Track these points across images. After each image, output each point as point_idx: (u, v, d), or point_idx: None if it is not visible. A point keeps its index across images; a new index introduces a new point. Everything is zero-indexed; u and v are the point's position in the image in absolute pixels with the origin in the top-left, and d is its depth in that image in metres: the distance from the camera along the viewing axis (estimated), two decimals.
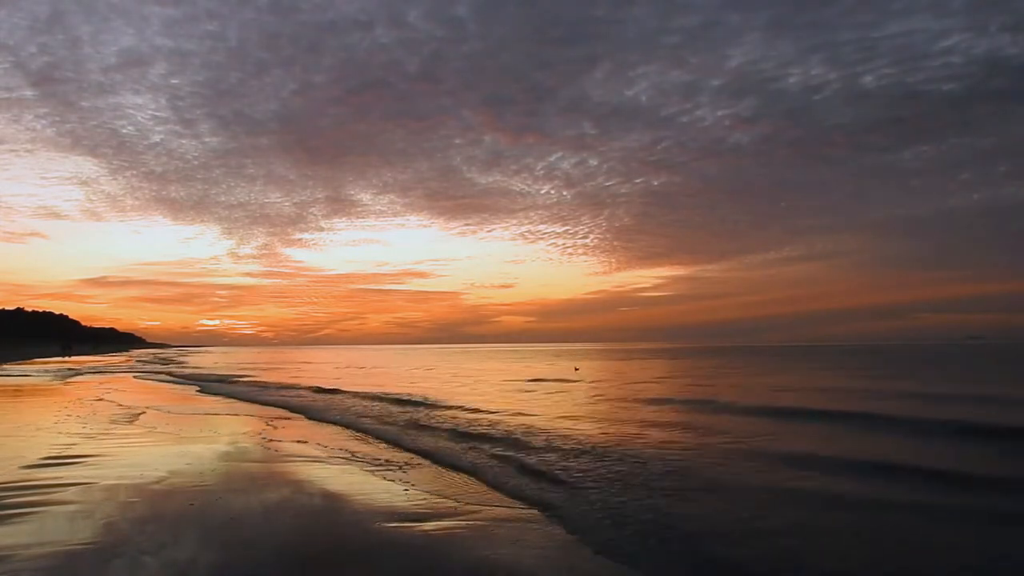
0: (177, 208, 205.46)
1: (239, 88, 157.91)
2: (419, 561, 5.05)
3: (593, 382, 25.96)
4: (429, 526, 5.94)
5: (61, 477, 7.82)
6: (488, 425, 12.72)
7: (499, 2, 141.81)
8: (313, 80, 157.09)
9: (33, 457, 9.13)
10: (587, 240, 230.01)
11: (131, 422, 13.60)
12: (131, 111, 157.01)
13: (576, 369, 37.84)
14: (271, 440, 11.30)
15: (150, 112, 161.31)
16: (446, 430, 12.17)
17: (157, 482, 7.63)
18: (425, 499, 6.99)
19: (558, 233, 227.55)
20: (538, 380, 27.68)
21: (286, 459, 9.43)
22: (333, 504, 6.79)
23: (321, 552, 5.25)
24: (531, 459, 9.06)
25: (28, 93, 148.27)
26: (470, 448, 10.21)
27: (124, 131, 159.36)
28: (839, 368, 37.19)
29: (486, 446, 10.31)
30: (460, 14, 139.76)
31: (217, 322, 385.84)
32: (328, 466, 8.89)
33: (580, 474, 8.07)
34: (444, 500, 6.96)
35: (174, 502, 6.72)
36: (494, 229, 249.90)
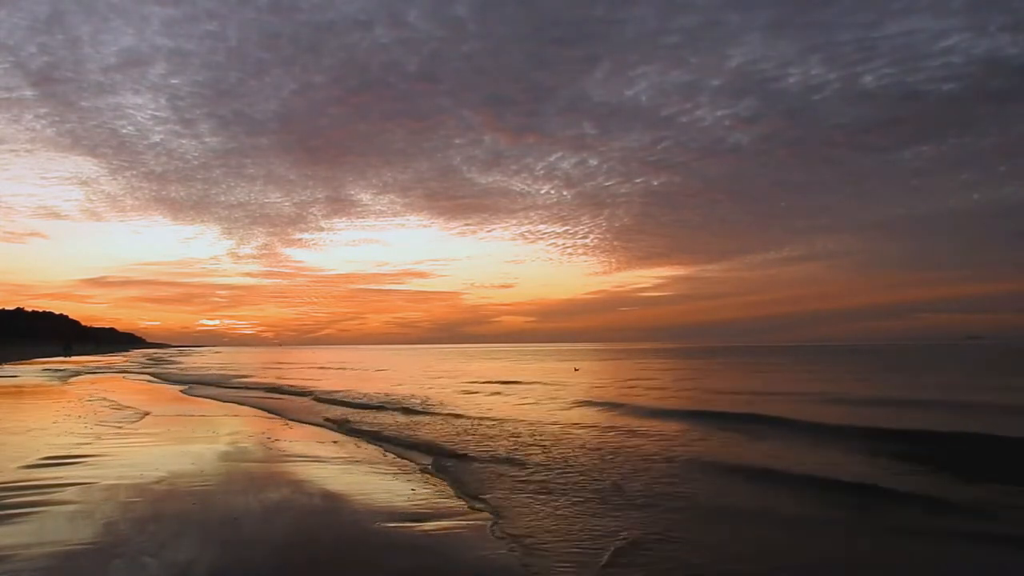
0: (177, 208, 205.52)
1: (239, 88, 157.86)
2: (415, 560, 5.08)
3: (552, 384, 25.18)
4: (429, 526, 5.97)
5: (61, 477, 7.84)
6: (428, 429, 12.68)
7: (499, 2, 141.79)
8: (313, 80, 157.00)
9: (33, 457, 9.14)
10: (587, 240, 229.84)
11: (131, 422, 13.61)
12: (131, 111, 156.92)
13: (576, 369, 37.87)
14: (268, 440, 11.33)
15: (150, 112, 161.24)
16: (393, 434, 12.07)
17: (157, 482, 7.65)
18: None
19: (558, 233, 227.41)
20: (494, 381, 27.19)
21: (283, 459, 9.45)
22: (332, 504, 6.81)
23: (321, 551, 5.28)
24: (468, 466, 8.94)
25: (28, 93, 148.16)
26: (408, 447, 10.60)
27: (124, 131, 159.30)
28: (821, 369, 37.12)
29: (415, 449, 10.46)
30: (460, 14, 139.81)
31: (217, 322, 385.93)
32: (327, 466, 8.92)
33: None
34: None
35: (174, 502, 6.73)
36: (494, 229, 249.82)
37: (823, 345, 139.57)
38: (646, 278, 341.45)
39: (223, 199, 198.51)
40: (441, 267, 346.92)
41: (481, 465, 8.93)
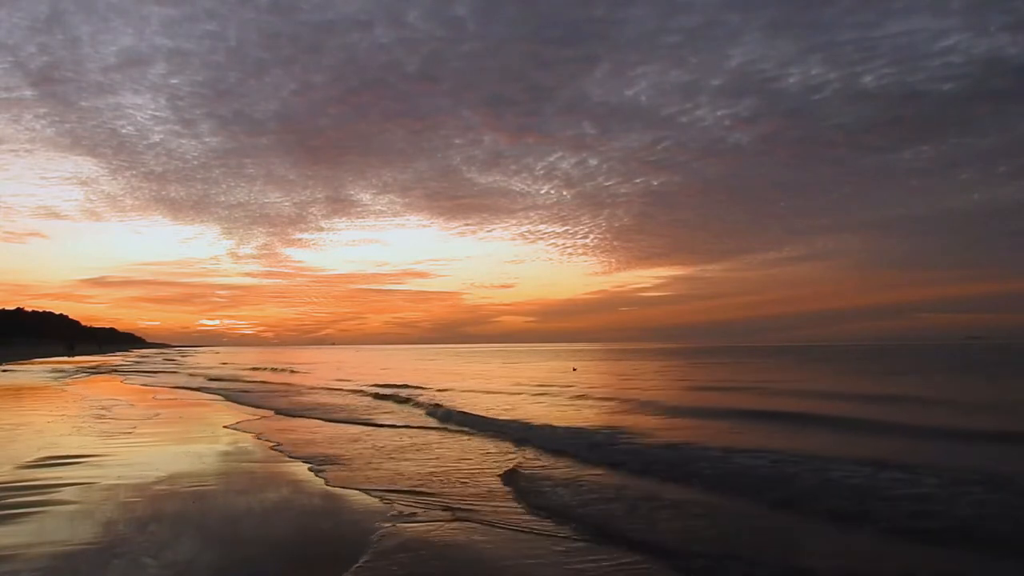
0: (177, 208, 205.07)
1: (239, 88, 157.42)
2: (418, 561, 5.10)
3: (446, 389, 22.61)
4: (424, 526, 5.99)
5: (61, 477, 7.85)
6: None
7: (499, 2, 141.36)
8: (313, 80, 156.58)
9: (33, 457, 9.17)
10: (587, 240, 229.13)
11: (131, 422, 13.63)
12: (131, 111, 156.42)
13: (574, 369, 37.88)
14: (266, 440, 11.34)
15: (150, 112, 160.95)
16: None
17: (157, 482, 7.66)
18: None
19: (558, 233, 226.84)
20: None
21: (281, 459, 9.47)
22: (332, 504, 6.83)
23: (320, 551, 5.30)
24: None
25: (28, 93, 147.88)
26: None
27: (124, 131, 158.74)
28: (789, 369, 37.12)
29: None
30: (460, 14, 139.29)
31: (217, 322, 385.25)
32: (323, 465, 8.94)
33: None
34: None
35: (174, 502, 6.75)
36: (494, 229, 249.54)
37: (821, 346, 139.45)
38: (646, 278, 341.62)
39: (223, 199, 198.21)
40: (441, 267, 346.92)
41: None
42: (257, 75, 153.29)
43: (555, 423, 12.52)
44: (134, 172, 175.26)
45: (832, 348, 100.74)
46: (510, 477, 7.97)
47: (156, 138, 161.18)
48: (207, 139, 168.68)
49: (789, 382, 25.84)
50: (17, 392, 22.52)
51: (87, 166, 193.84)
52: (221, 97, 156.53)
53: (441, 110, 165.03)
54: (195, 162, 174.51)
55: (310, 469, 8.58)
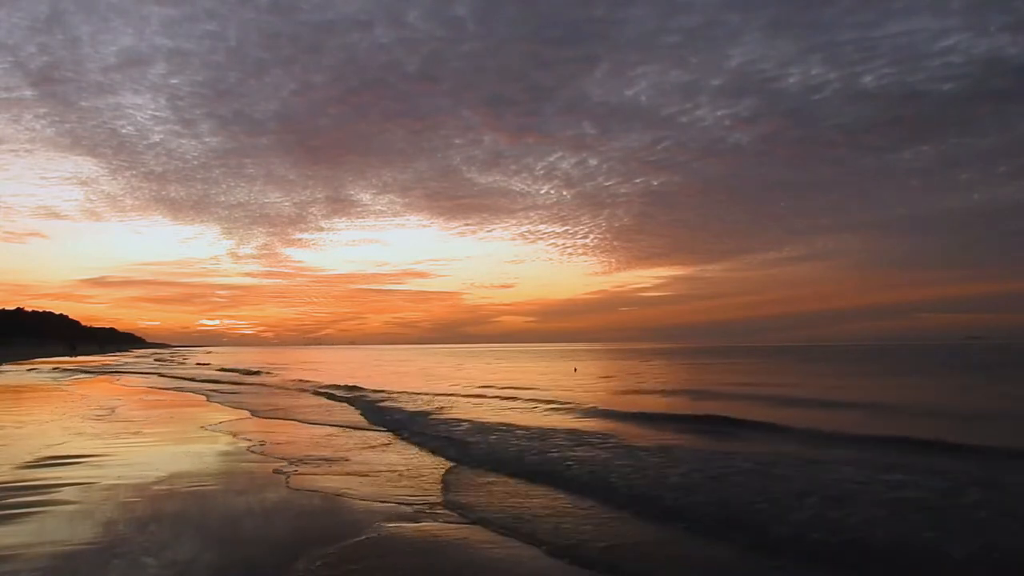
0: (177, 208, 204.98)
1: (239, 88, 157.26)
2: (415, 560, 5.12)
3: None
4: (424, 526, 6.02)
5: (61, 477, 7.88)
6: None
7: (498, 2, 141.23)
8: (313, 80, 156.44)
9: (33, 457, 9.20)
10: (587, 240, 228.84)
11: (130, 421, 13.65)
12: (131, 111, 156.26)
13: (575, 370, 37.89)
14: (266, 440, 11.37)
15: (150, 112, 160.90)
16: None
17: (157, 482, 7.68)
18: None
19: (558, 233, 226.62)
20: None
21: (280, 459, 9.49)
22: (332, 504, 6.86)
23: (320, 551, 5.31)
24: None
25: (28, 93, 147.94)
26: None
27: (124, 131, 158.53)
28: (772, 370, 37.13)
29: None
30: (460, 14, 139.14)
31: (217, 322, 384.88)
32: (321, 465, 8.97)
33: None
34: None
35: (174, 502, 6.77)
36: (494, 229, 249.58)
37: (821, 346, 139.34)
38: (646, 278, 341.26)
39: (223, 199, 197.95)
40: (441, 267, 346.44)
41: None
42: (257, 75, 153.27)
43: (481, 422, 12.98)
44: (134, 172, 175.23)
45: (832, 348, 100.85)
46: (442, 479, 8.21)
47: (156, 138, 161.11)
48: (207, 139, 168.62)
49: (779, 385, 25.06)
50: (15, 392, 22.55)
51: (87, 166, 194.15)
52: (221, 97, 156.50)
53: (441, 110, 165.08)
54: (195, 162, 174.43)
55: (275, 471, 8.57)
